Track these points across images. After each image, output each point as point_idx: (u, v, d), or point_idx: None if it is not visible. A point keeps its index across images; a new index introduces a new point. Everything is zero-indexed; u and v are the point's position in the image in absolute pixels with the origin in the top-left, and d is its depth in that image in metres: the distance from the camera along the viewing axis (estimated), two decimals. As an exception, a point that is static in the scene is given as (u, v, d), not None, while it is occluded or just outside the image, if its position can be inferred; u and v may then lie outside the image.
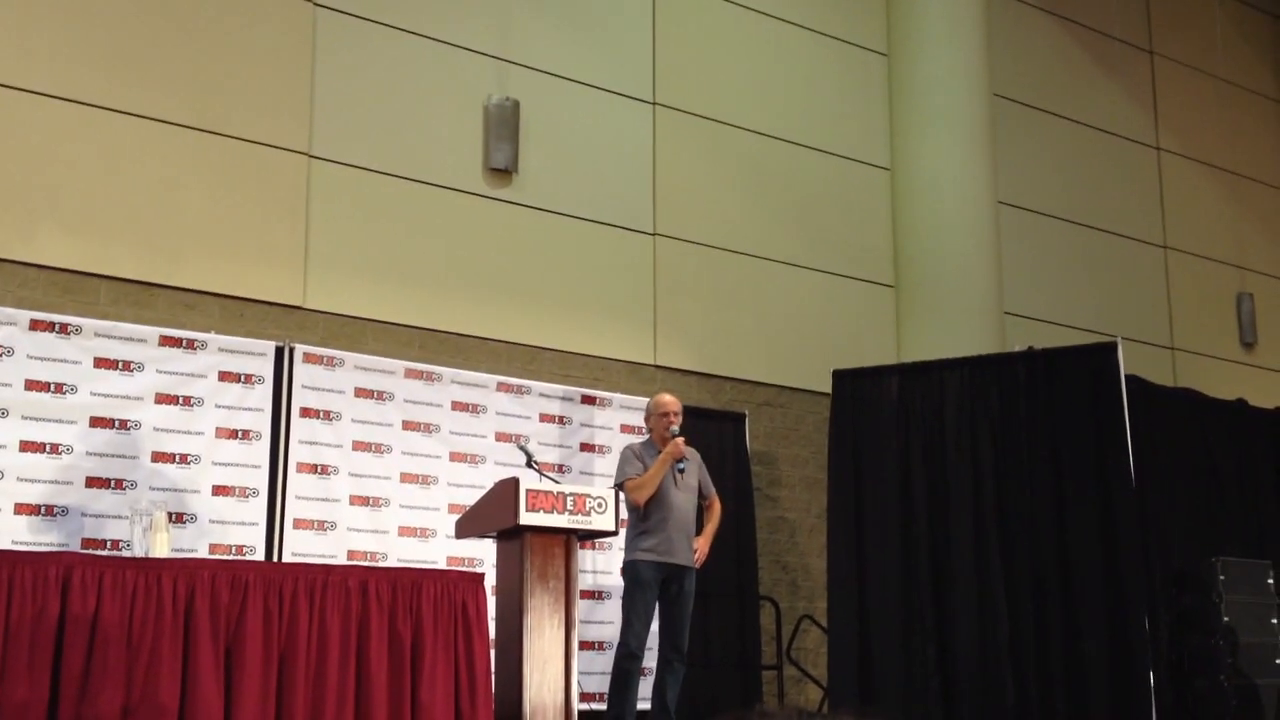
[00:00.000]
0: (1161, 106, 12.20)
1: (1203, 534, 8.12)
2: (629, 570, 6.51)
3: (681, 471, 6.59)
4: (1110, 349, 7.52)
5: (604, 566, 7.62)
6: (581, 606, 5.69)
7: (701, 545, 6.69)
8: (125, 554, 5.70)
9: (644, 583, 6.44)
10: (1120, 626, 7.13)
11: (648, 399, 7.11)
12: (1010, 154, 10.60)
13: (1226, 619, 7.41)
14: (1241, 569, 7.64)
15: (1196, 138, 12.39)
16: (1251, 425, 8.94)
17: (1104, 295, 11.18)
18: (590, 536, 5.74)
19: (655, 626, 6.56)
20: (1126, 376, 7.43)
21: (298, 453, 6.82)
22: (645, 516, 6.46)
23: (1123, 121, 11.83)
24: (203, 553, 6.35)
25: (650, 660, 6.67)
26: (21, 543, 5.97)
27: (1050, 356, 7.80)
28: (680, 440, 6.60)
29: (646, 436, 6.85)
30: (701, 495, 6.79)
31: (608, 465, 7.54)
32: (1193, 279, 11.99)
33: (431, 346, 7.78)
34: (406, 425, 7.21)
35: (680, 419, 6.71)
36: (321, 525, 6.81)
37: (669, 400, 6.78)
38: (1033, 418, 7.61)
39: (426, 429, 7.27)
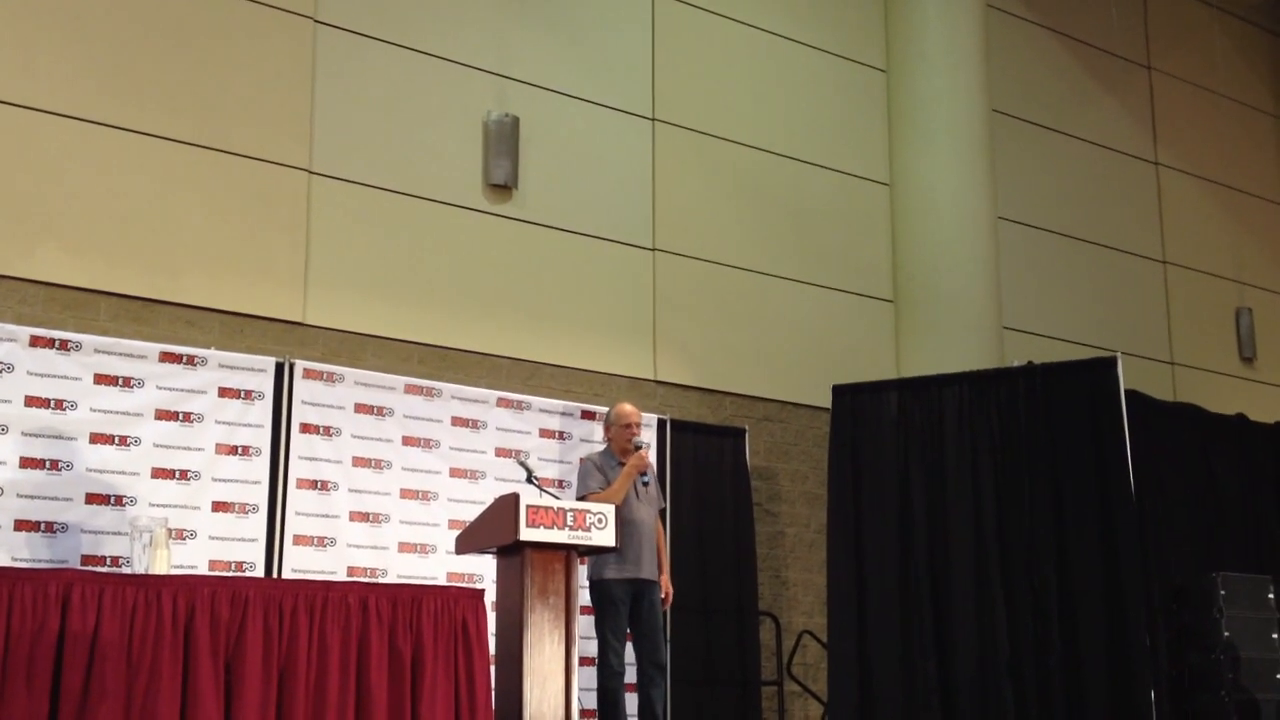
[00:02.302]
0: (1160, 122, 12.23)
1: (1203, 549, 8.11)
2: (599, 589, 6.48)
3: (646, 485, 6.57)
4: (1110, 364, 7.53)
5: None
6: (581, 622, 5.68)
7: (667, 585, 6.69)
8: (125, 571, 5.70)
9: (615, 600, 6.42)
10: (1120, 642, 7.12)
11: (650, 414, 7.11)
12: (1009, 169, 10.62)
13: (1227, 634, 7.40)
14: (1242, 584, 7.63)
15: (1195, 153, 12.42)
16: (1251, 440, 8.94)
17: (1103, 310, 11.20)
18: (590, 552, 5.73)
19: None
20: (1126, 391, 7.43)
21: (297, 469, 6.81)
22: None
23: (1121, 137, 11.86)
24: (202, 569, 6.35)
25: (630, 676, 6.66)
26: (21, 559, 5.96)
27: (1050, 371, 7.81)
28: (644, 453, 6.59)
29: (605, 445, 6.83)
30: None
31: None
32: (1192, 294, 12.00)
33: (431, 362, 7.79)
34: (406, 441, 7.21)
35: (642, 429, 6.70)
36: (321, 541, 6.81)
37: (630, 410, 6.75)
38: (1032, 433, 7.61)
39: (426, 444, 7.27)
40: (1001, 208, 10.31)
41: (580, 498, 6.47)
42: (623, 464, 6.58)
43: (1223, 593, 7.46)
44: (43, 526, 6.10)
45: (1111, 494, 7.30)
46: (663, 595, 6.66)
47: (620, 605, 6.42)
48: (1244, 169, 12.83)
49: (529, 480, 6.08)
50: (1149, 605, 7.26)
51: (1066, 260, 11.10)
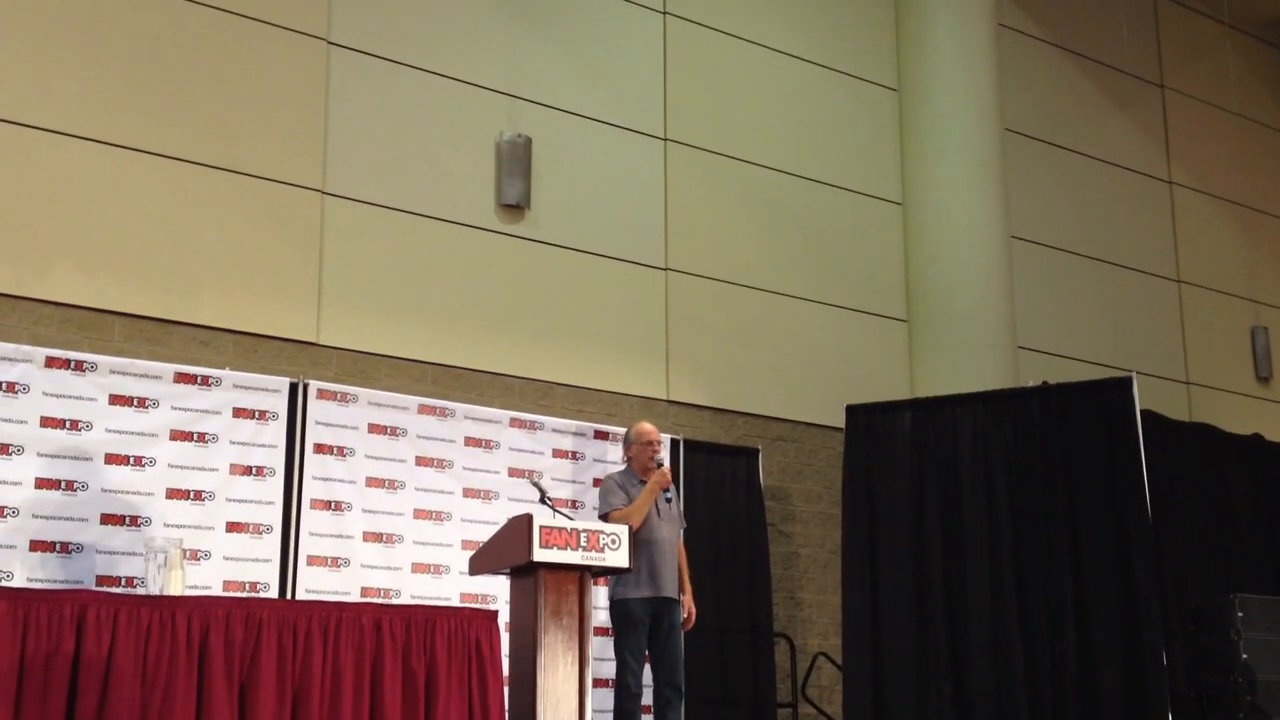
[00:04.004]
0: (1173, 140, 12.22)
1: (1220, 570, 8.08)
2: (619, 609, 6.46)
3: (669, 501, 6.58)
4: (1125, 384, 7.50)
5: (617, 603, 7.58)
6: (595, 644, 5.66)
7: (690, 606, 6.67)
8: (140, 591, 5.70)
9: (636, 620, 6.40)
10: (1137, 664, 7.08)
11: (663, 434, 7.10)
12: (1022, 188, 10.62)
13: (1245, 656, 7.36)
14: (1259, 606, 7.58)
15: (1209, 171, 12.40)
16: (1268, 460, 8.91)
17: (1118, 329, 11.17)
18: (604, 573, 5.71)
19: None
20: (1141, 411, 7.41)
21: (311, 489, 6.81)
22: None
23: (1135, 155, 11.85)
24: (217, 589, 6.35)
25: (647, 698, 6.63)
26: (36, 580, 5.97)
27: (1064, 391, 7.78)
28: (666, 470, 6.61)
29: (625, 465, 6.83)
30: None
31: (621, 501, 7.52)
32: (1207, 313, 11.97)
33: (444, 382, 7.79)
34: (420, 461, 7.21)
35: (663, 447, 6.72)
36: (335, 562, 6.81)
37: (650, 429, 6.77)
38: (1047, 453, 7.59)
39: (440, 465, 7.27)
40: (1015, 227, 10.30)
41: (603, 515, 6.47)
42: (644, 482, 6.58)
43: (1240, 614, 7.42)
44: (58, 547, 6.11)
45: (1127, 514, 7.27)
46: (685, 616, 6.64)
47: (640, 626, 6.40)
48: (1258, 187, 12.81)
49: (542, 500, 6.08)
50: (1165, 626, 7.22)
51: (1080, 279, 11.07)
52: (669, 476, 6.60)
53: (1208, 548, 8.13)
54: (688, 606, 6.66)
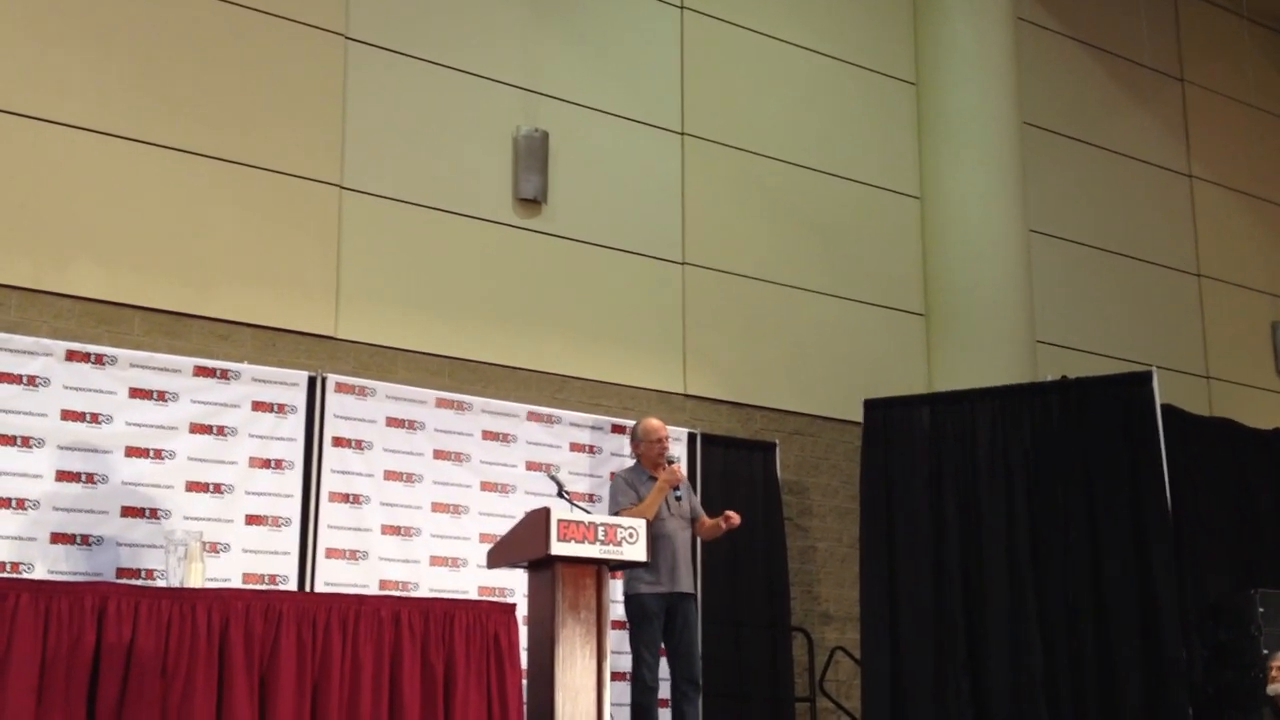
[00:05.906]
0: (1193, 134, 12.15)
1: (1240, 565, 8.05)
2: (633, 604, 6.47)
3: (679, 499, 6.57)
4: (1145, 378, 7.47)
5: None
6: (612, 637, 5.67)
7: (724, 517, 6.64)
8: (160, 584, 5.73)
9: (650, 615, 6.41)
10: (1156, 659, 7.06)
11: (680, 428, 7.09)
12: (1041, 182, 10.58)
13: (1265, 652, 7.32)
14: (1279, 601, 7.55)
15: (1229, 165, 12.32)
16: (1288, 455, 8.86)
17: (1137, 324, 11.12)
18: (621, 566, 5.72)
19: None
20: (1161, 406, 7.37)
21: (330, 482, 6.84)
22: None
23: (1154, 149, 11.79)
24: (236, 582, 6.37)
25: (664, 692, 6.64)
26: (57, 572, 6.00)
27: (1083, 386, 7.76)
28: (677, 466, 6.62)
29: (634, 462, 6.83)
30: (692, 519, 6.76)
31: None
32: (1227, 307, 11.90)
33: (462, 376, 7.81)
34: (437, 454, 7.23)
35: (670, 443, 6.73)
36: (353, 555, 6.83)
37: (658, 425, 6.77)
38: (1066, 448, 7.56)
39: (457, 458, 7.28)
40: (1033, 221, 10.26)
41: (612, 514, 6.46)
42: (654, 479, 6.58)
43: (1260, 609, 7.39)
44: (79, 539, 6.14)
45: (1147, 509, 7.24)
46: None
47: (654, 620, 6.41)
48: (1278, 180, 12.72)
49: (559, 494, 6.09)
50: (1185, 622, 7.19)
51: (1100, 274, 11.03)
52: (679, 474, 6.58)
53: (1228, 542, 8.10)
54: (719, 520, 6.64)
